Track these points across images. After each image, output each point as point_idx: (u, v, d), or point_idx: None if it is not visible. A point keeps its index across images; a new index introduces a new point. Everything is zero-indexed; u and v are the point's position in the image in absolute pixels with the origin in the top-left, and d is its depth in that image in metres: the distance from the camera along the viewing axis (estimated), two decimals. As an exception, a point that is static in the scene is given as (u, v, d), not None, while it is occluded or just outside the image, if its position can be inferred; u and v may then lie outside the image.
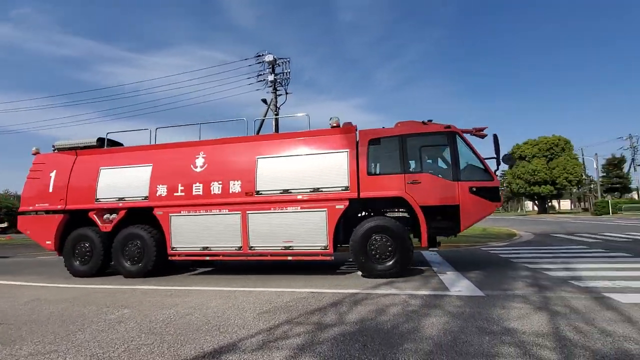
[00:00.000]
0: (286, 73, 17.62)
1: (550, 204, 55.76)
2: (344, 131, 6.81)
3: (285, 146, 6.98)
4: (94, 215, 7.51)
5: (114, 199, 7.47)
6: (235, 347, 3.10)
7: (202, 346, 3.13)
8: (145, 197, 7.30)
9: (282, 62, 17.59)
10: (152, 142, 8.00)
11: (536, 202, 49.56)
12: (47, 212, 7.79)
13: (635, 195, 42.75)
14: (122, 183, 7.51)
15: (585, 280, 5.45)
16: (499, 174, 7.63)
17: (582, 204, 66.53)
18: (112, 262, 7.40)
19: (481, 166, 6.40)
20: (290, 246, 6.53)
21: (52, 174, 7.90)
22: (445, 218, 6.27)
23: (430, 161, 6.86)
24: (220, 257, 6.99)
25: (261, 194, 6.74)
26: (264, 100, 17.78)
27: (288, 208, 6.57)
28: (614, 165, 44.99)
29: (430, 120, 6.70)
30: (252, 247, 6.70)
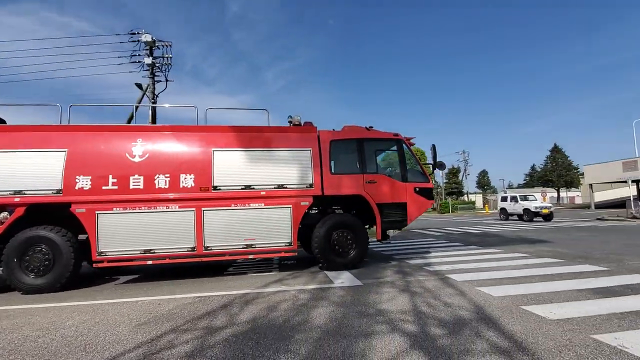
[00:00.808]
0: (167, 58, 15.85)
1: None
2: (306, 130, 6.95)
3: (245, 140, 6.57)
4: None
5: (8, 193, 5.68)
6: (109, 366, 2.73)
7: (63, 372, 2.64)
8: (59, 191, 5.77)
9: (163, 46, 15.82)
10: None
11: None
12: None
13: (466, 198, 54.60)
14: (19, 172, 5.76)
15: (434, 265, 6.82)
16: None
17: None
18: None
19: (420, 170, 7.47)
20: (252, 244, 6.24)
21: None
22: (396, 214, 7.03)
23: (383, 163, 7.71)
24: (167, 260, 6.08)
25: (219, 189, 6.23)
26: (139, 85, 15.55)
27: (251, 204, 6.26)
28: (453, 174, 56.46)
29: (372, 127, 7.45)
30: (207, 247, 6.09)
